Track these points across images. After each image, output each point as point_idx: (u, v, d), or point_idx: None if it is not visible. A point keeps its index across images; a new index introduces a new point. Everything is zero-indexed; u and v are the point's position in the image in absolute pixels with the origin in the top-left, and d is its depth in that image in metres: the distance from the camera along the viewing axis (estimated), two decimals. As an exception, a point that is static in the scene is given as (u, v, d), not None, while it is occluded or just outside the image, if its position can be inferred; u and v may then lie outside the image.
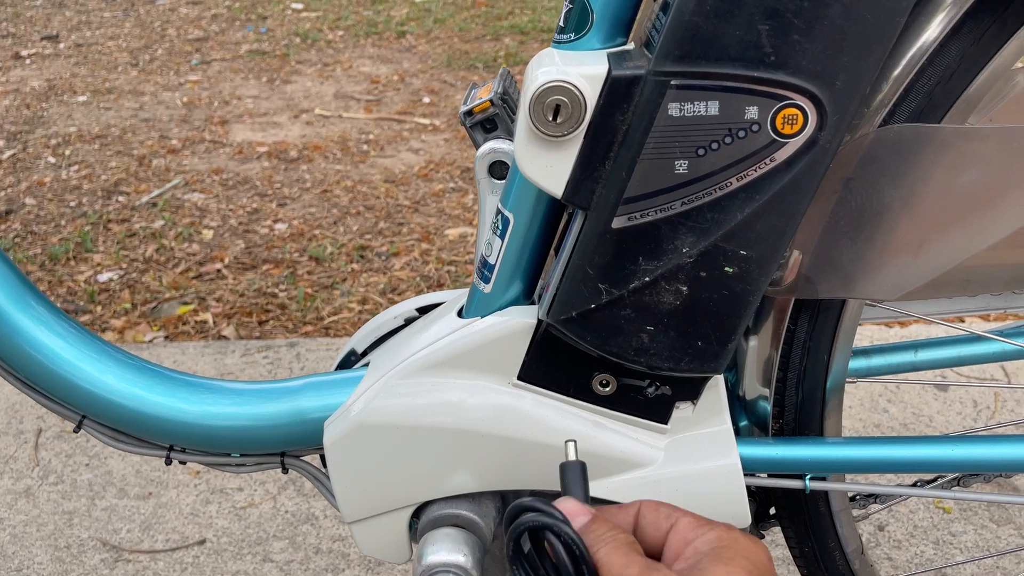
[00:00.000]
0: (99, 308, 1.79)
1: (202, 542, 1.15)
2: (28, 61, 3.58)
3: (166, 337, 1.68)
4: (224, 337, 1.67)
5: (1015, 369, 1.51)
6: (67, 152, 2.62)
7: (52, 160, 2.57)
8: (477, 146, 0.69)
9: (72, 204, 2.27)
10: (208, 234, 2.09)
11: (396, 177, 2.41)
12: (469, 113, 0.71)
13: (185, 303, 1.79)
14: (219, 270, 1.93)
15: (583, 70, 0.49)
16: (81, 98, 3.12)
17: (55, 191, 2.35)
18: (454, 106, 2.99)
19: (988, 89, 0.52)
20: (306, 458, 0.68)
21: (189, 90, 3.18)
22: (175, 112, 2.94)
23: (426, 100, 3.04)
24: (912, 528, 1.19)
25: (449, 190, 2.33)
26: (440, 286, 1.88)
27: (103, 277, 1.90)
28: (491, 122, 0.71)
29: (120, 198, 2.30)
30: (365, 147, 2.63)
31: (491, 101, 0.70)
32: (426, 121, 2.84)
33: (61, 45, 3.80)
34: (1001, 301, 0.67)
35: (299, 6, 4.39)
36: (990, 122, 0.64)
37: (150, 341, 1.66)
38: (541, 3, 4.34)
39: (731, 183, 0.49)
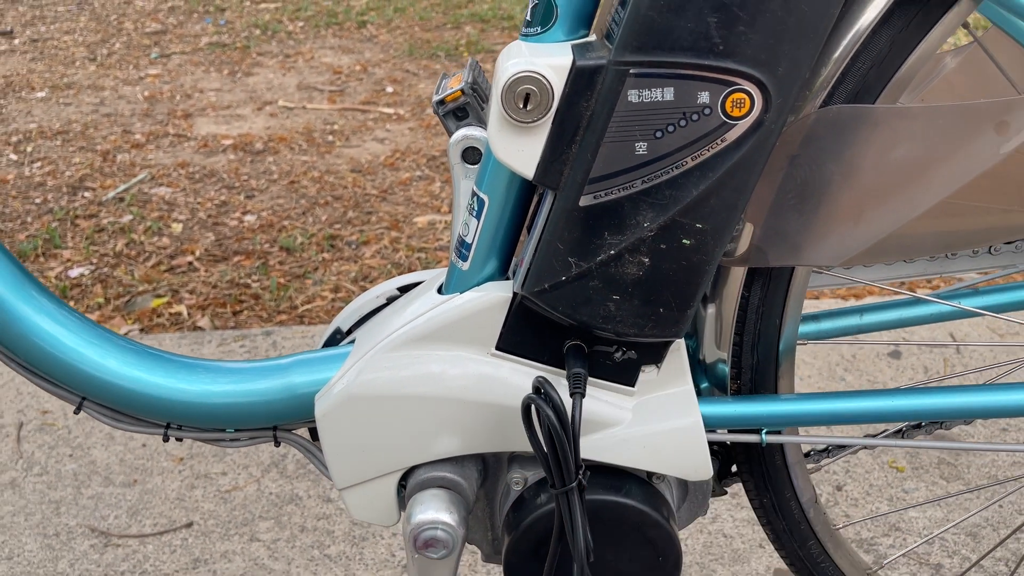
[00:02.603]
0: (72, 303, 1.80)
1: (189, 525, 1.18)
2: (-17, 57, 3.53)
3: (141, 330, 1.70)
4: (200, 328, 1.69)
5: (963, 335, 1.59)
6: (29, 149, 2.61)
7: (14, 157, 2.56)
8: (450, 133, 0.73)
9: (38, 201, 2.27)
10: (177, 227, 2.11)
11: (363, 167, 2.44)
12: (441, 102, 0.75)
13: (159, 296, 1.81)
14: (191, 263, 1.94)
15: (550, 61, 0.53)
16: (40, 94, 3.09)
17: (19, 188, 2.34)
18: (417, 95, 3.01)
19: (917, 71, 0.58)
20: (297, 431, 0.72)
21: (150, 84, 3.16)
22: (137, 106, 2.93)
23: (389, 90, 3.06)
24: (868, 487, 1.26)
25: (416, 178, 2.36)
26: (411, 272, 1.91)
27: (74, 272, 1.91)
28: (463, 110, 0.75)
29: (86, 194, 2.30)
30: (330, 138, 2.65)
31: (462, 90, 0.74)
32: (390, 110, 2.86)
33: (16, 41, 3.75)
34: (937, 266, 0.73)
35: (257, -3, 4.36)
36: (923, 101, 0.70)
37: (126, 334, 1.68)
38: (500, -9, 4.36)
39: (686, 162, 0.54)
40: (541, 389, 0.57)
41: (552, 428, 0.56)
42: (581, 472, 0.57)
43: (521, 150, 0.55)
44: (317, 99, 2.98)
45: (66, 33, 3.84)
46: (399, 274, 1.92)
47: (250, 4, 4.24)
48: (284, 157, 2.51)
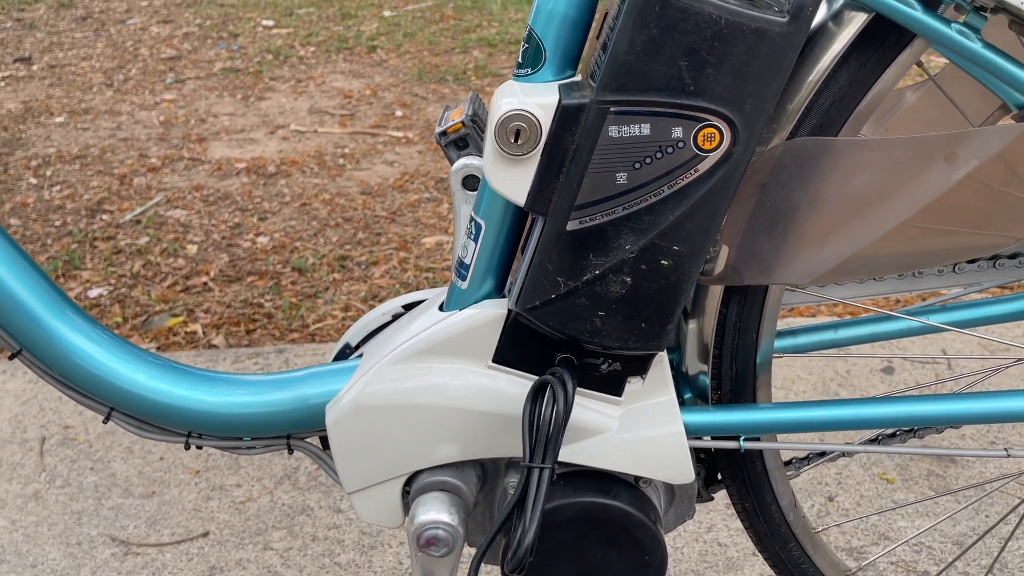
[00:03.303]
0: (89, 315, 1.86)
1: (205, 534, 1.23)
2: (2, 84, 3.62)
3: (158, 348, 1.76)
4: (214, 346, 1.75)
5: (955, 350, 1.63)
6: (48, 173, 2.69)
7: (34, 181, 2.63)
8: (451, 162, 0.79)
9: (57, 223, 2.34)
10: (192, 249, 2.17)
11: (372, 189, 2.50)
12: (443, 133, 0.81)
13: (175, 315, 1.87)
14: (205, 283, 2.01)
15: (538, 100, 0.59)
16: (58, 119, 3.18)
17: (39, 211, 2.42)
18: (426, 118, 3.09)
19: (875, 106, 0.63)
20: (309, 440, 0.78)
21: (165, 109, 3.24)
22: (153, 131, 3.01)
23: (399, 113, 3.13)
24: (859, 498, 1.30)
25: (424, 200, 2.43)
26: (416, 291, 1.97)
27: (93, 293, 1.97)
28: (463, 141, 0.81)
29: (104, 216, 2.37)
30: (341, 161, 2.72)
31: (463, 122, 0.80)
32: (399, 134, 2.93)
33: (35, 67, 3.85)
34: (907, 284, 0.78)
35: (270, 23, 4.46)
36: (887, 131, 0.75)
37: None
38: (508, 15, 4.45)
39: (663, 190, 0.59)
40: (558, 374, 0.63)
41: (557, 411, 0.62)
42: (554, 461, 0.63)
43: (513, 180, 0.61)
44: (328, 123, 3.06)
45: (83, 59, 3.94)
46: (408, 292, 1.98)
47: (263, 30, 4.34)
48: (296, 180, 2.58)
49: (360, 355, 0.76)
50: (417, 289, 1.96)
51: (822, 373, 1.60)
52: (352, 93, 3.36)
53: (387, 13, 4.59)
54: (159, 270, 2.07)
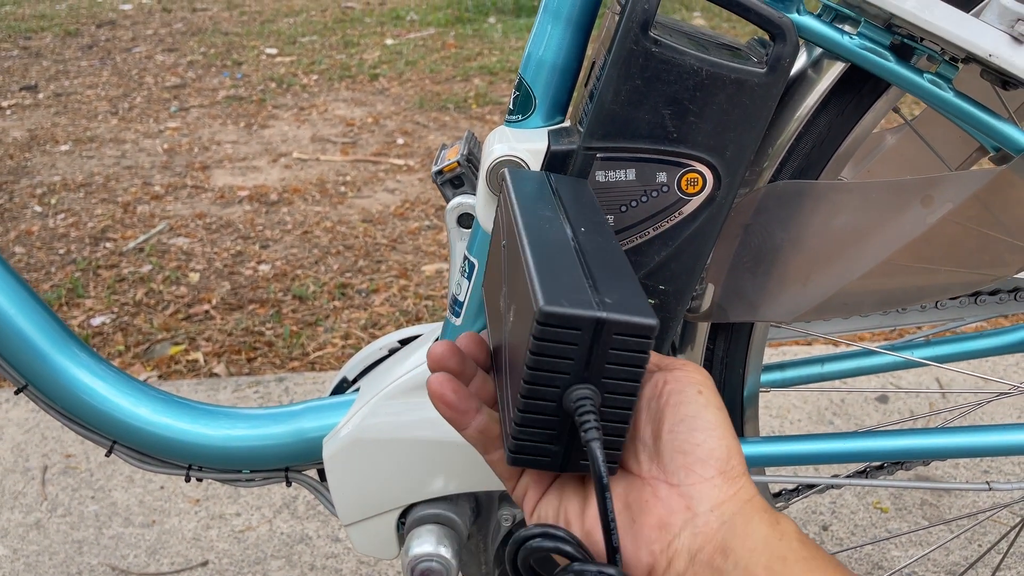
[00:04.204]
0: (94, 351, 1.88)
1: (205, 563, 1.25)
2: (8, 112, 3.67)
3: (160, 376, 1.77)
4: (215, 375, 1.77)
5: (948, 380, 1.64)
6: (53, 201, 2.72)
7: (38, 209, 2.66)
8: (447, 200, 0.81)
9: (61, 251, 2.37)
10: (195, 277, 2.19)
11: (373, 217, 2.53)
12: (439, 172, 0.83)
13: (176, 343, 1.89)
14: (207, 311, 2.03)
15: (528, 146, 0.61)
16: (63, 147, 3.22)
17: (43, 239, 2.44)
18: (427, 146, 3.12)
19: (855, 150, 0.65)
20: (306, 472, 0.79)
21: (169, 137, 3.28)
22: (157, 159, 3.05)
23: (400, 141, 3.17)
24: (853, 527, 1.31)
25: (424, 228, 2.45)
26: (418, 320, 1.99)
27: (96, 321, 1.99)
28: (459, 179, 0.83)
29: (107, 244, 2.40)
30: (343, 188, 2.75)
31: (458, 162, 0.82)
32: (401, 162, 2.96)
33: (40, 95, 3.90)
34: (891, 320, 0.80)
35: (273, 51, 4.52)
36: (868, 173, 0.78)
37: (144, 380, 1.76)
38: (509, 44, 4.51)
39: (648, 232, 0.61)
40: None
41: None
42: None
43: (504, 222, 0.63)
44: (330, 151, 3.09)
45: (89, 87, 3.99)
46: (407, 321, 2.00)
47: (266, 58, 4.40)
48: (298, 208, 2.61)
49: (357, 389, 0.78)
50: (417, 317, 1.98)
51: (816, 402, 1.61)
52: (354, 121, 3.40)
53: (389, 41, 4.65)
54: (161, 298, 2.09)
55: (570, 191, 0.56)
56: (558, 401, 0.43)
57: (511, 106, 0.65)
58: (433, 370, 0.52)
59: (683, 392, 0.47)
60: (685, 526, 0.44)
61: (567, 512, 0.47)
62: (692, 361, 0.72)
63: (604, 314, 0.41)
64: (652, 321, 0.41)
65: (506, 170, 0.57)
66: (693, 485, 0.44)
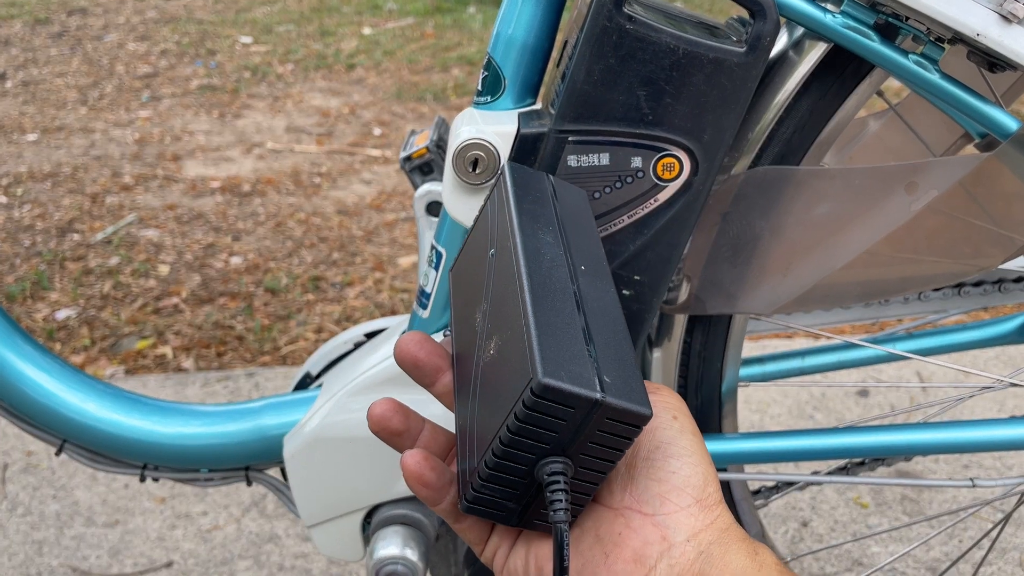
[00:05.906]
0: (58, 345, 1.83)
1: (169, 564, 1.21)
2: (-24, 101, 3.58)
3: (126, 371, 1.73)
4: (184, 369, 1.72)
5: (928, 374, 1.63)
6: (19, 191, 2.65)
7: (3, 200, 2.60)
8: (415, 187, 0.78)
9: (26, 243, 2.31)
10: (164, 269, 2.15)
11: (349, 208, 2.49)
12: (408, 159, 0.80)
13: (144, 338, 1.84)
14: (176, 304, 1.98)
15: (497, 128, 0.58)
16: (31, 137, 3.15)
17: (8, 231, 2.38)
18: (404, 137, 3.08)
19: (837, 135, 0.63)
20: (268, 471, 0.76)
21: (140, 126, 3.22)
22: (127, 149, 2.98)
23: (377, 132, 3.12)
24: (833, 523, 1.30)
25: (401, 220, 2.41)
26: (393, 313, 1.95)
27: (61, 315, 1.94)
28: (428, 166, 0.80)
29: (75, 236, 2.34)
30: (317, 180, 2.70)
31: (427, 148, 0.79)
32: (377, 153, 2.92)
33: (8, 84, 3.81)
34: (873, 312, 0.78)
35: (248, 40, 4.45)
36: (851, 160, 0.75)
37: (111, 376, 1.71)
38: (488, 34, 4.46)
39: (623, 220, 0.59)
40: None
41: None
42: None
43: (472, 209, 0.60)
44: (305, 141, 3.04)
45: (58, 76, 3.91)
46: (382, 315, 1.96)
47: (241, 47, 4.33)
48: (271, 199, 2.56)
49: (320, 385, 0.75)
50: (392, 310, 1.95)
51: (797, 396, 1.59)
52: (330, 111, 3.35)
53: (367, 31, 4.60)
54: (129, 291, 2.04)
55: (570, 205, 0.53)
56: (530, 467, 0.41)
57: (479, 87, 0.62)
58: (377, 426, 0.48)
59: (658, 417, 0.45)
60: (661, 557, 0.41)
61: (538, 559, 0.45)
62: (668, 357, 0.69)
63: (603, 397, 0.38)
64: (648, 412, 0.39)
65: (505, 165, 0.54)
66: (669, 514, 0.42)
